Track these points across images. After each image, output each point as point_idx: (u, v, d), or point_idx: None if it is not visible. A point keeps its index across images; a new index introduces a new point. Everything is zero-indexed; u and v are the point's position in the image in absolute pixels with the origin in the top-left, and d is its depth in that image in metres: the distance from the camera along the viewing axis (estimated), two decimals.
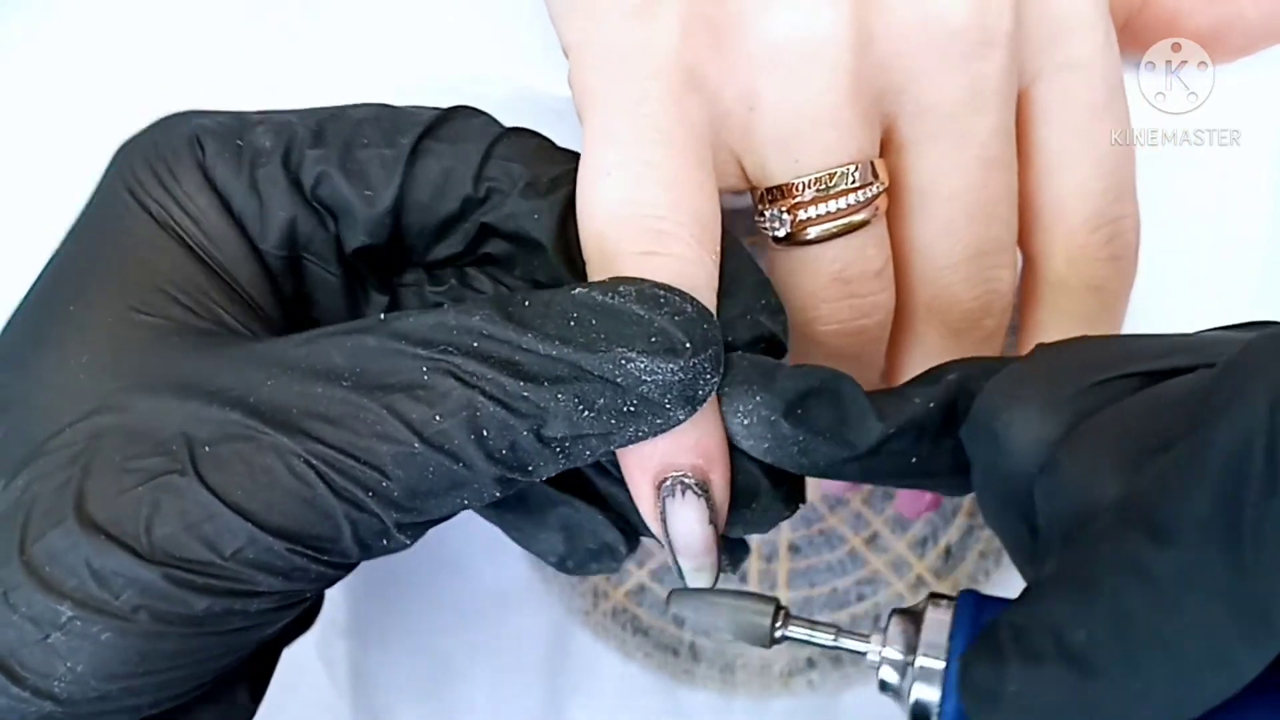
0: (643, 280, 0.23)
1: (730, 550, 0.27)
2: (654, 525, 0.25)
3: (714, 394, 0.24)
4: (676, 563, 0.26)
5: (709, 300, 0.25)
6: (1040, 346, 0.23)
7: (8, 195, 0.43)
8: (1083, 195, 0.29)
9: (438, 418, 0.21)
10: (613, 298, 0.22)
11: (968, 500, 0.37)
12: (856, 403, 0.24)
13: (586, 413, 0.22)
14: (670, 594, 0.25)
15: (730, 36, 0.26)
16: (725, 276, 0.25)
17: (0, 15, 0.40)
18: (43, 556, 0.21)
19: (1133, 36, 0.32)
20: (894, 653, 0.23)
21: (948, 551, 0.37)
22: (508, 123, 0.32)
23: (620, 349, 0.22)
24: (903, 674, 0.23)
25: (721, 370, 0.23)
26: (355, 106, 0.26)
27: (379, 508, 0.21)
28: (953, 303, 0.29)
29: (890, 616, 0.24)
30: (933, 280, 0.29)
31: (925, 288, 0.29)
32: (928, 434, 0.24)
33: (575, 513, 0.27)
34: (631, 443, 0.23)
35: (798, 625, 0.24)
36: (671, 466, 0.24)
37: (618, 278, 0.23)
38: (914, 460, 0.24)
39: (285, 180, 0.24)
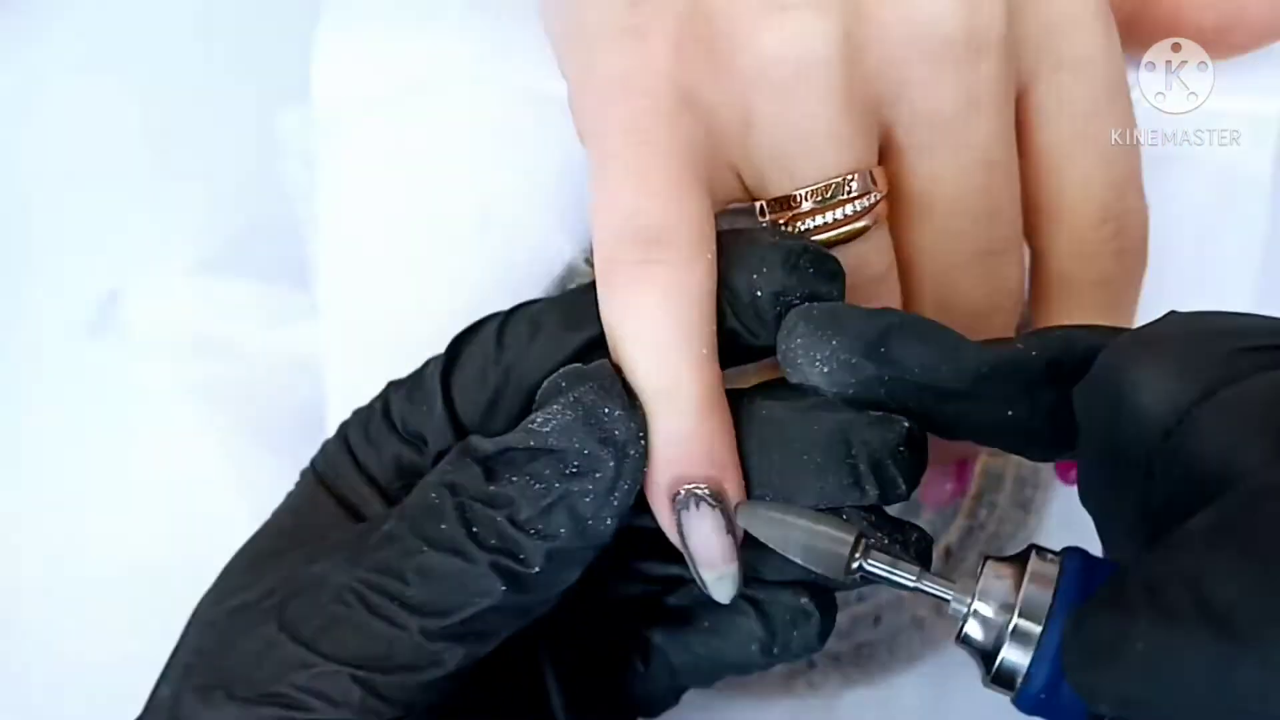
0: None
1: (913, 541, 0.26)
2: (674, 539, 0.26)
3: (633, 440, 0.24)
4: (698, 574, 0.26)
5: (702, 303, 0.25)
6: (1175, 312, 0.22)
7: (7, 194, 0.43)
8: (1085, 192, 0.29)
9: (443, 525, 0.25)
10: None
11: (967, 501, 0.37)
12: (947, 337, 0.23)
13: (539, 486, 0.24)
14: (738, 506, 0.25)
15: (722, 55, 0.26)
16: (728, 253, 0.25)
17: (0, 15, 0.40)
18: (185, 715, 0.25)
19: (1134, 34, 0.32)
20: (987, 608, 0.22)
21: (948, 552, 0.37)
22: (508, 123, 0.32)
23: (528, 417, 0.25)
24: (993, 631, 0.21)
25: (625, 406, 0.24)
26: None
27: (405, 616, 0.24)
28: (961, 302, 0.29)
29: (984, 564, 0.22)
30: (940, 281, 0.29)
31: (933, 289, 0.29)
32: (1029, 383, 0.23)
33: (760, 585, 0.27)
34: (601, 510, 0.24)
35: (879, 560, 0.23)
36: (684, 479, 0.25)
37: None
38: (1010, 413, 0.23)
39: (386, 427, 0.28)
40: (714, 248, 0.25)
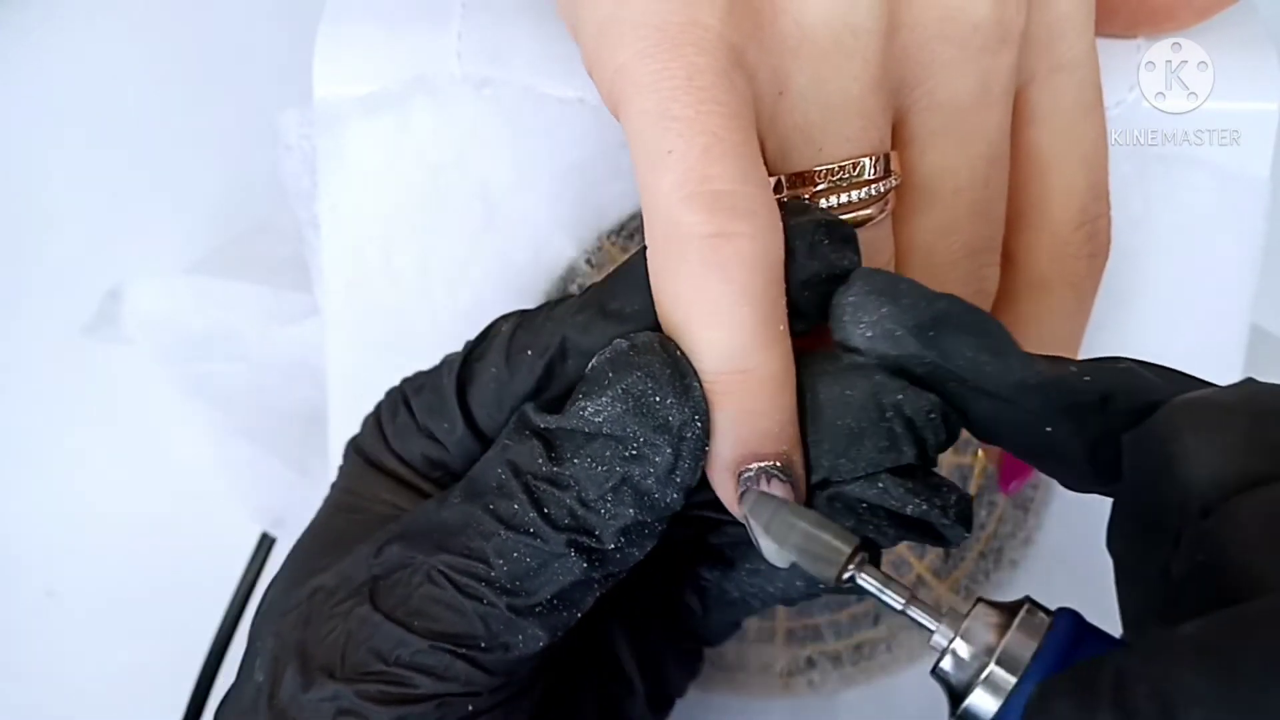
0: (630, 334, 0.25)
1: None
2: (736, 511, 0.25)
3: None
4: (760, 543, 0.25)
5: (779, 276, 0.24)
6: (1252, 380, 0.21)
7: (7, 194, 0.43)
8: (1068, 194, 0.29)
9: (515, 506, 0.24)
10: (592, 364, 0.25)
11: None
12: (1001, 338, 0.23)
13: (601, 468, 0.24)
14: (744, 493, 0.24)
15: (768, 17, 0.26)
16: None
17: (1, 16, 0.40)
18: (284, 700, 0.25)
19: (1103, 11, 0.32)
20: (965, 648, 0.21)
21: (947, 551, 0.37)
22: (508, 123, 0.32)
23: (579, 403, 0.24)
24: (966, 673, 0.21)
25: (677, 393, 0.23)
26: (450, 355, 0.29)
27: (493, 596, 0.24)
28: None
29: (975, 605, 0.22)
30: (928, 279, 0.29)
31: None
32: (1075, 408, 0.23)
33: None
34: (665, 489, 0.24)
35: (871, 576, 0.22)
36: (756, 456, 0.24)
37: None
38: (1048, 430, 0.23)
39: (412, 424, 0.28)
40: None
